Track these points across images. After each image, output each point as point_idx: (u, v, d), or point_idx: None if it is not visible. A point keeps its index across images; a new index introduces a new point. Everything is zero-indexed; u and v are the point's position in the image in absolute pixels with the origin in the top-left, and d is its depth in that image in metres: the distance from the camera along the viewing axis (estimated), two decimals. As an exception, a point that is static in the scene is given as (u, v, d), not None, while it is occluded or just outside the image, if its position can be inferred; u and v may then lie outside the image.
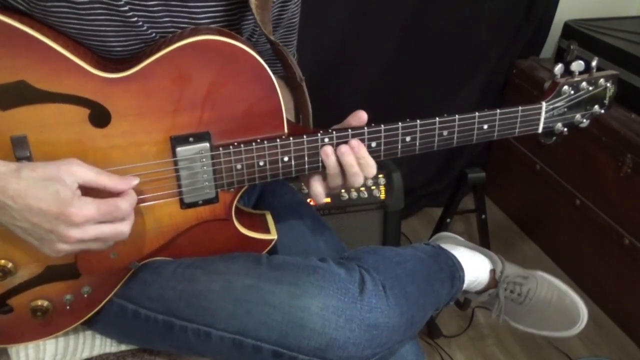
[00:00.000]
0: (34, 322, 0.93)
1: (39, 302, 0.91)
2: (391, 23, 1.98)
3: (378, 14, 1.94)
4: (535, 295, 1.26)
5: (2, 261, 0.86)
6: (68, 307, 0.93)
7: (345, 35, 1.95)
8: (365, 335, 0.86)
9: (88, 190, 0.78)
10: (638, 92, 1.81)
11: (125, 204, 0.80)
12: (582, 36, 2.05)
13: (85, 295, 0.93)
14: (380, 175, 1.72)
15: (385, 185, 1.73)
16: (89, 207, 0.76)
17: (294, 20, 1.07)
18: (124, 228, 0.81)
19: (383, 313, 0.88)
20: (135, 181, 0.83)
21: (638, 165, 1.71)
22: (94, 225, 0.77)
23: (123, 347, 1.05)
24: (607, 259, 1.89)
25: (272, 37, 0.92)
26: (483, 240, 1.87)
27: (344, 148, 0.90)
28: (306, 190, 1.67)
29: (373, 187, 1.73)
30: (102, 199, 0.78)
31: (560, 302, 1.26)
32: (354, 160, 0.91)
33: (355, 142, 0.91)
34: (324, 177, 0.94)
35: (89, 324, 1.00)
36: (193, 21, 0.89)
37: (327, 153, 0.91)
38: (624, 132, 1.75)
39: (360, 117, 0.93)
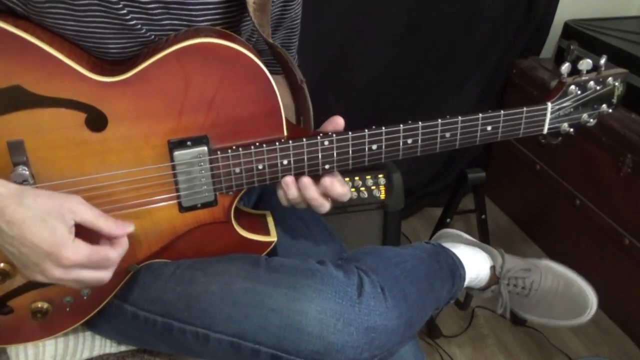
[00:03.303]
0: (33, 323, 0.93)
1: (39, 304, 0.91)
2: (391, 23, 1.98)
3: (378, 14, 1.94)
4: (541, 286, 1.26)
5: (2, 265, 0.86)
6: (68, 309, 0.93)
7: (345, 37, 1.95)
8: (364, 338, 0.86)
9: (81, 228, 0.78)
10: (638, 92, 1.80)
11: (115, 254, 0.81)
12: (582, 36, 2.04)
13: (85, 297, 0.93)
14: (380, 175, 1.72)
15: (385, 185, 1.72)
16: (81, 253, 0.76)
17: (297, 21, 1.07)
18: (105, 276, 0.82)
19: (381, 316, 0.88)
20: (131, 228, 0.83)
21: (638, 165, 1.71)
22: (79, 269, 0.78)
23: (123, 348, 1.05)
24: (607, 259, 1.88)
25: (270, 40, 0.92)
26: (483, 241, 1.86)
27: (304, 181, 0.91)
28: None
29: (373, 187, 1.72)
30: (95, 247, 0.78)
31: (567, 290, 1.26)
32: (316, 194, 0.91)
33: (307, 179, 0.91)
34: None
35: (89, 325, 1.00)
36: (192, 23, 0.89)
37: (287, 183, 0.91)
38: (624, 132, 1.74)
39: (337, 122, 0.92)
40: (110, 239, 0.81)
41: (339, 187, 0.92)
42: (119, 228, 0.81)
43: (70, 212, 0.76)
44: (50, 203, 0.75)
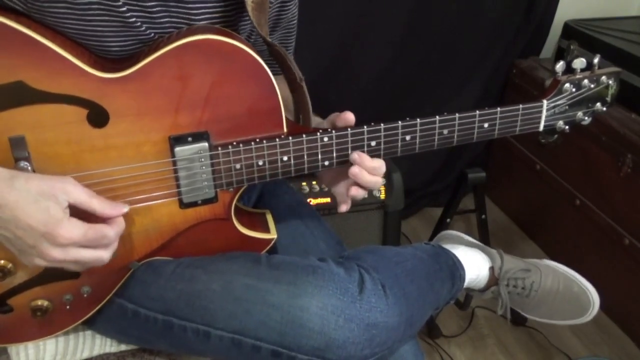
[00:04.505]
0: (33, 321, 0.93)
1: (39, 302, 0.91)
2: (391, 23, 1.98)
3: (378, 14, 1.94)
4: (541, 286, 1.26)
5: (2, 261, 0.86)
6: (68, 307, 0.93)
7: (345, 36, 1.95)
8: (365, 334, 0.86)
9: (76, 210, 0.78)
10: (638, 92, 1.80)
11: (112, 232, 0.80)
12: (582, 36, 2.05)
13: (85, 295, 0.93)
14: (380, 176, 1.72)
15: (385, 185, 1.73)
16: (77, 230, 0.76)
17: (293, 21, 1.07)
18: (105, 255, 0.81)
19: (382, 312, 0.88)
20: (126, 209, 0.83)
21: (638, 165, 1.71)
22: (77, 248, 0.77)
23: (123, 347, 1.05)
24: (607, 259, 1.88)
25: (268, 39, 0.92)
26: (483, 241, 1.87)
27: (354, 171, 0.91)
28: (306, 190, 1.67)
29: (373, 187, 1.72)
30: (91, 225, 0.78)
31: (568, 290, 1.26)
32: (369, 177, 0.92)
33: (356, 156, 0.92)
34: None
35: (89, 324, 1.00)
36: (191, 21, 0.90)
37: (357, 194, 0.94)
38: (624, 132, 1.74)
39: (347, 118, 0.93)
40: (105, 220, 0.81)
41: (369, 160, 0.92)
42: (114, 208, 0.81)
43: (63, 192, 0.76)
44: (42, 184, 0.75)
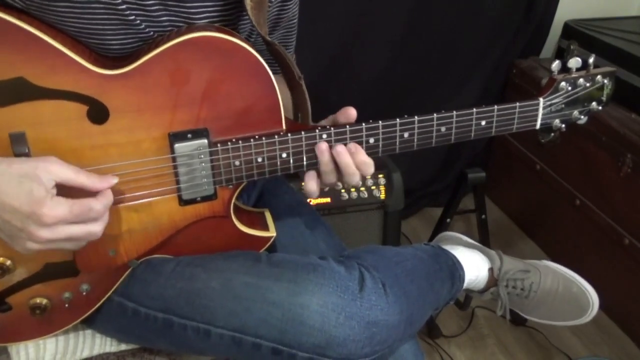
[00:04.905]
0: (33, 320, 0.93)
1: (38, 300, 0.91)
2: (391, 22, 1.98)
3: (378, 13, 1.95)
4: (540, 287, 1.25)
5: (1, 259, 0.86)
6: (67, 305, 0.93)
7: (345, 35, 1.96)
8: (365, 332, 0.86)
9: (66, 189, 0.78)
10: (638, 92, 1.81)
11: (99, 205, 0.79)
12: (582, 36, 2.05)
13: (84, 293, 0.93)
14: (380, 175, 1.72)
15: (385, 185, 1.73)
16: (61, 208, 0.75)
17: (294, 20, 1.08)
18: (96, 229, 0.81)
19: (383, 311, 0.88)
20: (114, 180, 0.82)
21: (638, 165, 1.71)
22: (65, 225, 0.77)
23: (123, 347, 1.05)
24: (607, 259, 1.88)
25: (268, 38, 0.92)
26: (483, 241, 1.87)
27: (339, 148, 0.90)
28: (306, 190, 1.67)
29: (373, 187, 1.73)
30: (75, 200, 0.77)
31: (567, 291, 1.26)
32: (350, 160, 0.91)
33: (353, 146, 0.91)
34: (319, 174, 0.94)
35: (89, 323, 1.00)
36: (190, 20, 0.90)
37: (322, 150, 0.90)
38: (624, 132, 1.74)
39: (349, 114, 0.93)
40: (95, 195, 0.80)
41: (364, 154, 0.92)
42: (103, 181, 0.81)
43: (47, 172, 0.76)
44: (25, 166, 0.75)
